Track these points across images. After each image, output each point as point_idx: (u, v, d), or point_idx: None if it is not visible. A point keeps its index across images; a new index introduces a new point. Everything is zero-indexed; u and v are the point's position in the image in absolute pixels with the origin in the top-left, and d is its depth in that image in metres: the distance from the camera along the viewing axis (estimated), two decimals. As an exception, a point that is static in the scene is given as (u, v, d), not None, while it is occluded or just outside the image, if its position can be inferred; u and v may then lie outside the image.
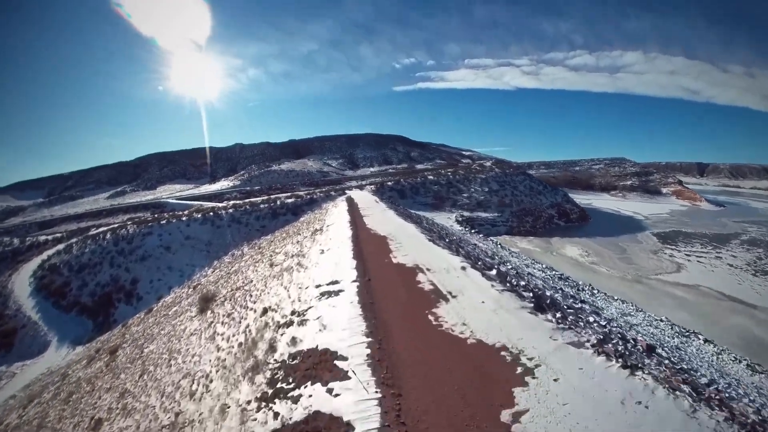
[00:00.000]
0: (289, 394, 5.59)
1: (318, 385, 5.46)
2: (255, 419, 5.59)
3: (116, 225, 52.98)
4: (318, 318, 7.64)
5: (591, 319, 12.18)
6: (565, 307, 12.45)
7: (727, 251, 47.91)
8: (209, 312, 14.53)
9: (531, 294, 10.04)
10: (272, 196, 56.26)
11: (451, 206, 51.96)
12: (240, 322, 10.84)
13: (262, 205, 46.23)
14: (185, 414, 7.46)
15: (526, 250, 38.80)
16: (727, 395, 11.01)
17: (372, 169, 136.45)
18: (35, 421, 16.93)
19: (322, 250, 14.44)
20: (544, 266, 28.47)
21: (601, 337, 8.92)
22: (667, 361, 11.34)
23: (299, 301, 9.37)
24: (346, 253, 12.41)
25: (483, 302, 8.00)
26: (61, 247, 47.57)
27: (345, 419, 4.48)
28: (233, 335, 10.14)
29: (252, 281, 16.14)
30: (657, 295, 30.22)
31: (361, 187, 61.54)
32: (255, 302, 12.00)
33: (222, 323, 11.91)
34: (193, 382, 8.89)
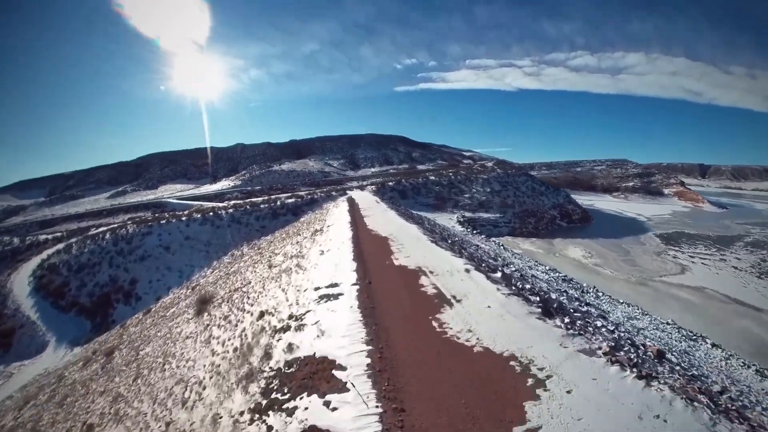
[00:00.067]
0: (284, 406, 5.24)
1: (314, 396, 5.10)
2: (247, 432, 5.24)
3: (116, 225, 52.76)
4: (316, 323, 7.29)
5: (599, 323, 11.81)
6: (571, 311, 12.08)
7: (731, 253, 47.43)
8: (206, 314, 14.19)
9: (538, 298, 9.68)
10: (273, 196, 55.96)
11: (453, 207, 51.57)
12: (236, 326, 10.49)
13: (262, 205, 45.92)
14: (176, 423, 7.11)
15: (529, 252, 38.38)
16: (740, 404, 10.64)
17: (373, 170, 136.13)
18: (29, 424, 16.61)
19: (322, 251, 14.09)
20: (547, 268, 28.07)
21: (613, 344, 8.56)
22: (678, 368, 10.97)
23: (297, 304, 9.02)
24: (347, 255, 12.05)
25: (489, 307, 7.64)
26: (60, 246, 47.33)
27: (343, 437, 4.13)
28: (229, 339, 9.79)
29: (250, 283, 15.80)
30: (662, 298, 29.78)
31: (362, 188, 61.20)
32: (252, 305, 11.65)
33: (218, 326, 11.56)
34: (186, 389, 8.55)
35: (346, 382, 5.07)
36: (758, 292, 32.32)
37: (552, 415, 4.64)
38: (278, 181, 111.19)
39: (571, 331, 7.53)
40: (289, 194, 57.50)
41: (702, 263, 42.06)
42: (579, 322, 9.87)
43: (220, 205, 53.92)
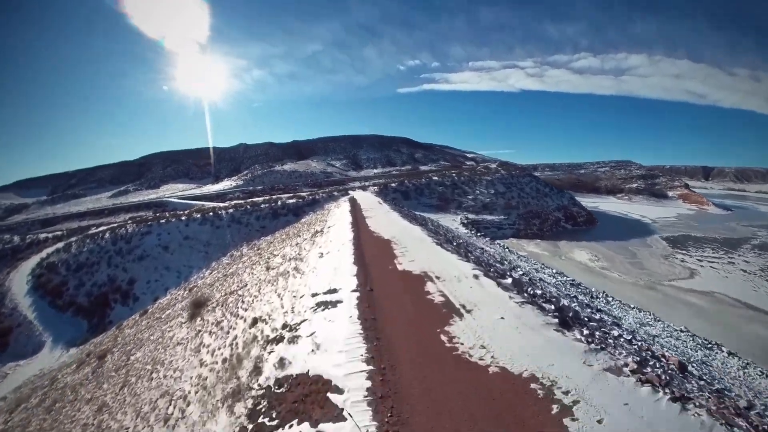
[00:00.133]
0: (271, 435, 4.53)
1: (306, 425, 4.39)
2: (228, 465, 4.54)
3: (116, 224, 52.26)
4: (311, 335, 6.58)
5: (615, 332, 11.08)
6: (586, 319, 11.34)
7: (739, 256, 46.64)
8: (199, 319, 13.51)
9: (552, 306, 8.96)
10: (274, 196, 55.35)
11: (456, 208, 50.80)
12: (228, 333, 9.81)
13: (263, 205, 45.30)
14: (155, 445, 6.43)
15: (534, 254, 37.57)
16: (770, 422, 9.86)
17: (375, 171, 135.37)
18: (17, 430, 16.05)
19: (321, 254, 13.38)
20: (554, 271, 27.27)
21: (638, 358, 7.84)
22: (702, 382, 10.23)
23: (292, 312, 8.32)
24: (347, 258, 11.32)
25: (502, 318, 6.92)
26: (60, 245, 46.87)
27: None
28: (219, 348, 9.10)
29: (246, 285, 15.12)
30: (671, 302, 28.98)
31: (364, 188, 60.50)
32: (246, 310, 10.96)
33: (210, 333, 10.87)
34: (170, 404, 7.86)
35: (342, 409, 4.36)
36: (769, 295, 31.53)
37: (585, 452, 3.93)
38: (280, 181, 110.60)
39: (593, 345, 6.81)
40: (291, 194, 56.90)
41: (710, 267, 41.24)
42: (597, 333, 9.13)
43: (221, 204, 53.36)
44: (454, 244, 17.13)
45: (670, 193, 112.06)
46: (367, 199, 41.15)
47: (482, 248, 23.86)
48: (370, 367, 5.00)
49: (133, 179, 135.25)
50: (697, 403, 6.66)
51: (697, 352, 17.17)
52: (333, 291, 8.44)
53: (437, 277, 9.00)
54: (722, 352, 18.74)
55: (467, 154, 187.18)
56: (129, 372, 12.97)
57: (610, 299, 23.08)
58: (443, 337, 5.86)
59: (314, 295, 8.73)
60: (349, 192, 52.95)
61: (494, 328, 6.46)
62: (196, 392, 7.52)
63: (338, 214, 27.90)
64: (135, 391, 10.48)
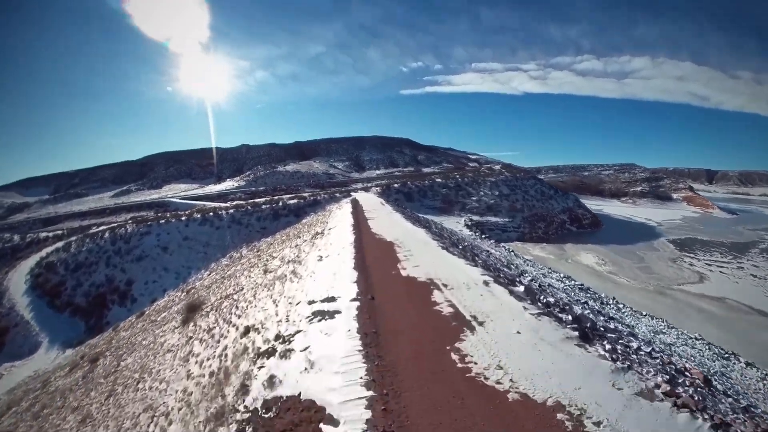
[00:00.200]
0: (254, 474, 3.84)
1: (294, 464, 3.70)
2: None
3: (116, 224, 51.81)
4: (305, 349, 5.89)
5: (634, 344, 10.34)
6: (602, 329, 10.61)
7: (748, 260, 45.83)
8: (191, 324, 12.85)
9: (570, 317, 8.23)
10: (275, 197, 54.77)
11: (460, 210, 50.02)
12: (219, 342, 9.13)
13: (263, 206, 44.71)
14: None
15: (540, 258, 36.76)
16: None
17: (378, 172, 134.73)
18: (4, 436, 15.52)
19: (320, 257, 12.69)
20: (561, 276, 26.48)
21: (667, 377, 7.12)
22: (730, 400, 9.48)
23: (287, 321, 7.63)
24: (347, 262, 10.61)
25: (518, 332, 6.20)
26: (60, 245, 46.48)
27: None
28: (208, 359, 8.43)
29: (242, 289, 14.45)
30: (682, 308, 28.15)
31: (366, 189, 59.83)
32: (240, 316, 10.29)
33: (200, 340, 10.20)
34: (152, 420, 7.19)
35: (337, 447, 3.67)
36: (781, 301, 30.65)
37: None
38: (282, 182, 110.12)
39: (619, 364, 6.10)
40: (292, 195, 56.31)
41: (719, 271, 40.42)
42: (619, 347, 8.38)
43: (221, 205, 52.83)
44: (460, 247, 16.40)
45: (675, 196, 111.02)
46: (370, 200, 40.44)
47: (488, 251, 23.11)
48: (371, 393, 4.29)
49: (136, 179, 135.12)
50: (738, 430, 5.93)
51: (714, 362, 16.39)
52: (331, 299, 7.74)
53: (444, 284, 8.28)
54: (740, 362, 17.93)
55: (470, 156, 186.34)
56: (117, 380, 12.32)
57: (621, 305, 22.28)
58: (454, 356, 5.15)
59: (311, 302, 8.04)
60: (352, 193, 52.32)
61: (510, 343, 5.75)
62: (180, 409, 6.84)
63: (340, 215, 27.22)
64: (120, 402, 9.82)
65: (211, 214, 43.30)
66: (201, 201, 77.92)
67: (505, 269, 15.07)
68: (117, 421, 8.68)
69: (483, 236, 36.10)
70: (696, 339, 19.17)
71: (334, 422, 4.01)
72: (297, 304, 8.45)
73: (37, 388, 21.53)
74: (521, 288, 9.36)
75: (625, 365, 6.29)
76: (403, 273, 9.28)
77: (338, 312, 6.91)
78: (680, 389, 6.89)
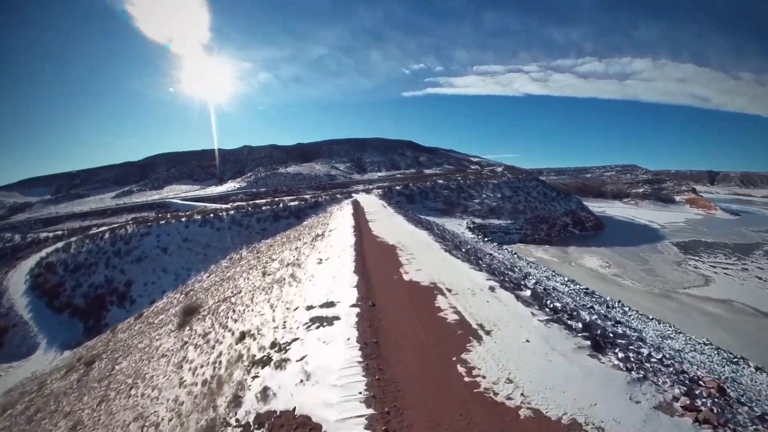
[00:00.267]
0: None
1: (286, 490, 3.35)
2: None
3: (116, 225, 51.61)
4: (302, 359, 5.54)
5: (645, 351, 9.97)
6: (611, 335, 10.24)
7: (753, 262, 45.41)
8: (188, 328, 12.51)
9: (580, 324, 7.86)
10: (276, 199, 54.50)
11: (462, 212, 49.63)
12: (214, 348, 8.79)
13: (264, 207, 44.41)
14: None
15: (543, 260, 36.34)
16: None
17: (380, 174, 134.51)
18: (-3, 441, 15.20)
19: (320, 260, 12.34)
20: (566, 279, 26.06)
21: (684, 388, 6.75)
22: (745, 408, 9.10)
23: (283, 328, 7.28)
24: (348, 266, 10.25)
25: (528, 341, 5.85)
26: (60, 245, 46.29)
27: None
28: (202, 366, 8.09)
29: (240, 292, 14.12)
30: (689, 312, 27.73)
31: (368, 191, 59.51)
32: (236, 321, 9.95)
33: (195, 346, 9.87)
34: (141, 431, 6.85)
35: (333, 472, 3.32)
36: (788, 304, 30.22)
37: None
38: (284, 183, 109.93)
39: (634, 374, 5.75)
40: (293, 197, 56.06)
41: (724, 273, 40.00)
42: (631, 354, 8.01)
43: (222, 206, 52.57)
44: (463, 250, 16.03)
45: (677, 198, 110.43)
46: (371, 202, 40.09)
47: (491, 254, 22.73)
48: (370, 411, 3.94)
49: (137, 180, 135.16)
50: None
51: (724, 367, 15.97)
52: (330, 304, 7.39)
53: (448, 289, 7.93)
54: (749, 366, 17.51)
55: (472, 158, 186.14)
56: (110, 384, 11.99)
57: (627, 309, 21.85)
58: (461, 368, 4.79)
59: (309, 308, 7.70)
60: (353, 195, 51.99)
61: (520, 354, 5.39)
62: (170, 420, 6.51)
63: (340, 217, 26.87)
64: (111, 409, 9.48)
65: (212, 215, 43.04)
66: (202, 202, 77.70)
67: (510, 273, 14.70)
68: (107, 429, 8.34)
69: (485, 239, 35.71)
70: (704, 344, 18.74)
71: (331, 443, 3.67)
72: (295, 309, 8.11)
73: (33, 391, 21.22)
74: (528, 292, 9.00)
75: (641, 375, 5.94)
76: (405, 277, 8.92)
77: (337, 318, 6.56)
78: (698, 401, 6.53)
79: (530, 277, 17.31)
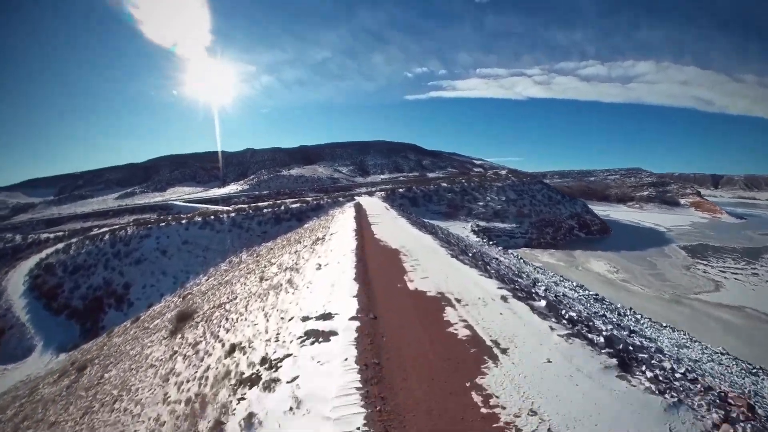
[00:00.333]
0: None
1: None
2: None
3: (117, 226, 51.23)
4: (293, 381, 4.88)
5: (667, 365, 9.26)
6: (631, 348, 9.52)
7: (762, 267, 44.49)
8: (179, 336, 11.88)
9: (602, 339, 7.17)
10: (278, 201, 53.97)
11: (466, 215, 48.88)
12: (202, 360, 8.15)
13: (265, 210, 43.83)
14: None
15: (550, 265, 35.53)
16: None
17: (383, 177, 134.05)
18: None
19: (319, 265, 11.68)
20: (574, 284, 25.26)
21: (723, 412, 6.08)
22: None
23: (276, 341, 6.62)
24: (348, 272, 9.56)
25: (549, 361, 5.16)
26: (60, 246, 45.93)
27: None
28: (188, 380, 7.44)
29: (236, 298, 13.48)
30: (700, 318, 26.85)
31: (371, 194, 58.90)
32: (228, 331, 9.31)
33: (184, 357, 9.22)
34: (118, 456, 6.20)
35: None
36: (801, 310, 29.32)
37: None
38: (287, 186, 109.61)
39: (668, 397, 5.05)
40: (296, 199, 55.51)
41: (735, 278, 39.07)
42: (658, 371, 7.30)
43: (223, 208, 52.09)
44: (470, 254, 15.33)
45: (683, 201, 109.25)
46: (374, 204, 39.42)
47: (497, 259, 22.01)
48: (371, 454, 3.27)
49: (140, 182, 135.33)
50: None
51: (744, 379, 15.17)
52: (327, 316, 6.72)
53: (458, 299, 7.24)
54: (768, 379, 16.67)
55: (475, 162, 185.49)
56: (96, 394, 11.36)
57: (639, 316, 21.05)
58: (476, 396, 4.11)
59: (305, 319, 7.03)
60: (355, 197, 51.37)
61: (543, 377, 4.70)
62: (149, 445, 5.85)
63: (342, 220, 26.22)
64: (92, 424, 8.84)
65: (212, 217, 42.49)
66: (204, 204, 77.32)
67: (519, 279, 13.98)
68: (86, 449, 7.71)
69: (490, 242, 34.95)
70: (721, 354, 17.92)
71: (322, 496, 3.00)
72: (290, 320, 7.45)
73: (24, 395, 20.73)
74: (543, 303, 8.31)
75: (675, 399, 5.24)
76: (410, 285, 8.24)
77: (334, 334, 5.88)
78: (738, 427, 5.84)
79: (539, 284, 16.59)
